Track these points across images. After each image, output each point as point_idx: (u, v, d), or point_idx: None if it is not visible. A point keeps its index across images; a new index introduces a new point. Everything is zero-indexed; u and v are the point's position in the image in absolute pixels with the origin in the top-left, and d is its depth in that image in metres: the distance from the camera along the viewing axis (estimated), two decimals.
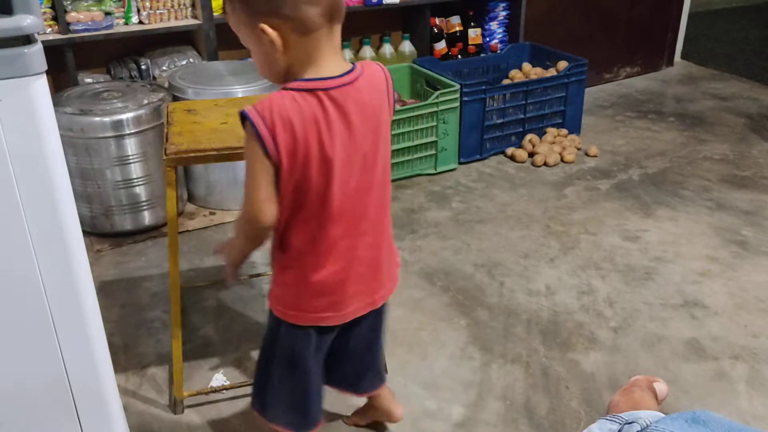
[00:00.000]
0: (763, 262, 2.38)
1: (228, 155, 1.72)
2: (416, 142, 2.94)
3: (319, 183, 1.15)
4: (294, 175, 1.13)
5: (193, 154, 1.69)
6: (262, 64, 1.16)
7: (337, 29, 1.13)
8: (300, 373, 1.37)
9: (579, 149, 3.23)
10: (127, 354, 1.97)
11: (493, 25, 3.57)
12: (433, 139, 2.98)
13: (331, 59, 1.13)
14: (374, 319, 1.42)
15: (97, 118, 2.33)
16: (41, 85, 1.00)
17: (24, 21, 0.95)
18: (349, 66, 1.15)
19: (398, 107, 2.91)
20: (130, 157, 2.40)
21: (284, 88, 1.12)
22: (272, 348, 1.38)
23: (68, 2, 2.60)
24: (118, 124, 2.34)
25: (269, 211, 1.16)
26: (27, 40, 0.97)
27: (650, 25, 4.15)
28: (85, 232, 2.49)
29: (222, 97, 2.48)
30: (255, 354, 1.95)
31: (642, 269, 2.35)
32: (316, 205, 1.17)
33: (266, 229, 1.21)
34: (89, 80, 2.78)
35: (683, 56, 4.46)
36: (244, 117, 1.09)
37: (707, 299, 2.19)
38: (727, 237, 2.53)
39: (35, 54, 0.97)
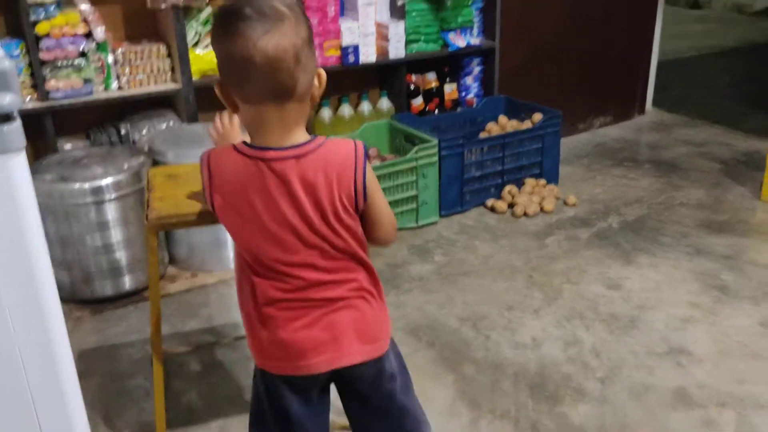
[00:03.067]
0: (743, 306, 2.40)
1: (210, 219, 1.72)
2: (397, 197, 2.96)
3: (247, 236, 1.21)
4: (226, 221, 1.23)
5: (174, 219, 1.70)
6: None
7: (291, 106, 1.16)
8: (269, 423, 1.34)
9: (558, 199, 3.27)
10: (108, 424, 1.92)
11: (468, 80, 3.64)
12: (414, 193, 3.00)
13: (279, 132, 1.17)
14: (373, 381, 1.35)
15: (77, 185, 2.33)
16: (20, 161, 1.00)
17: (3, 99, 0.95)
18: (303, 140, 1.18)
19: (378, 163, 2.94)
20: (111, 222, 2.40)
21: (234, 146, 1.19)
22: (253, 399, 1.38)
23: (47, 70, 2.62)
24: (97, 190, 2.34)
25: None
26: (6, 117, 0.97)
27: (621, 75, 4.26)
28: (64, 300, 2.47)
29: None
30: (240, 420, 1.91)
31: (626, 317, 2.36)
32: (246, 254, 1.25)
33: None
34: (69, 146, 2.79)
35: (654, 104, 4.58)
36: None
37: (691, 346, 2.19)
38: (708, 282, 2.55)
39: (14, 131, 0.97)
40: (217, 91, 1.18)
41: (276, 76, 1.11)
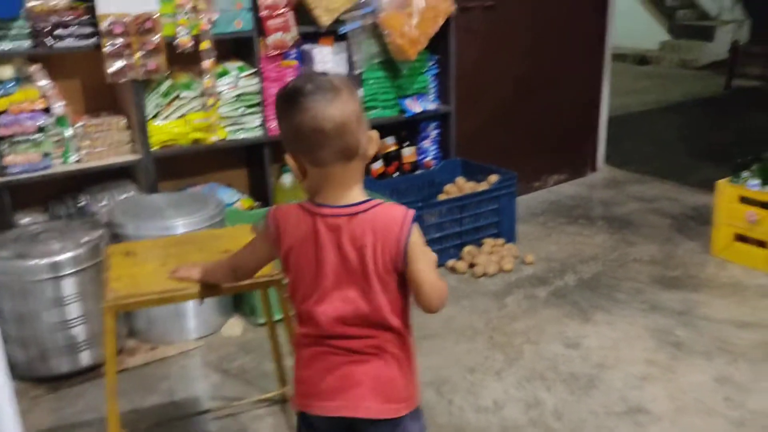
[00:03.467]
0: (698, 362, 2.46)
1: (169, 297, 1.72)
2: None
3: (298, 281, 1.37)
4: (285, 264, 1.38)
5: (132, 300, 1.70)
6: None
7: (354, 165, 1.31)
8: None
9: (516, 257, 3.33)
10: None
11: (426, 144, 3.73)
12: None
13: (340, 190, 1.32)
14: None
15: (33, 261, 2.31)
16: None
17: None
18: (359, 200, 1.32)
19: None
20: (68, 298, 2.37)
21: (299, 203, 1.36)
22: None
23: (5, 146, 2.62)
24: (55, 266, 2.32)
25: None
26: None
27: (573, 134, 4.41)
28: (21, 378, 2.42)
29: (162, 231, 2.50)
30: None
31: (585, 377, 2.40)
32: (297, 300, 1.39)
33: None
34: (26, 220, 2.77)
35: (607, 160, 4.73)
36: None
37: (649, 404, 2.24)
38: (663, 338, 2.62)
39: None
40: (290, 160, 1.32)
41: (344, 138, 1.27)
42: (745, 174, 3.16)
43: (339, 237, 1.31)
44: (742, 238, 3.20)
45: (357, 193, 1.32)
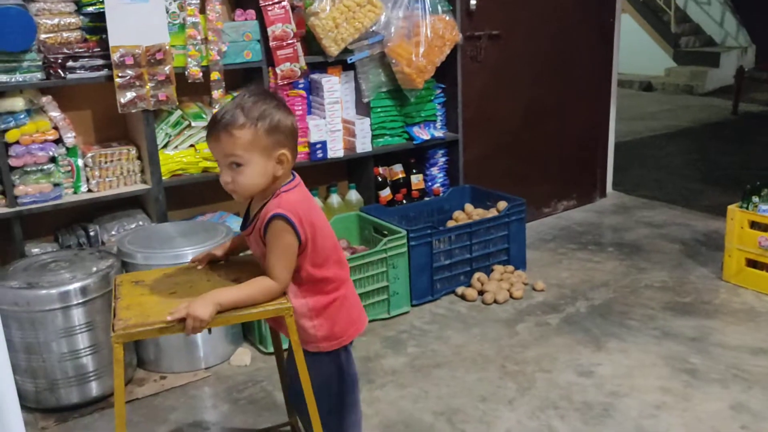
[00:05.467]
0: (713, 390, 2.42)
1: (179, 327, 1.71)
2: (368, 288, 2.98)
3: (329, 234, 1.74)
4: (312, 245, 1.68)
5: (141, 329, 1.69)
6: (258, 179, 1.64)
7: None
8: (357, 386, 1.87)
9: (526, 284, 3.31)
10: None
11: (434, 171, 3.74)
12: (385, 284, 3.02)
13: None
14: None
15: (44, 291, 2.31)
16: None
17: None
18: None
19: (349, 255, 2.97)
20: (77, 328, 2.37)
21: (298, 192, 1.69)
22: (348, 379, 1.82)
23: (16, 176, 2.64)
24: (65, 296, 2.32)
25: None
26: None
27: (581, 160, 4.41)
28: (29, 409, 2.40)
29: (172, 260, 2.49)
30: None
31: (599, 406, 2.36)
32: (329, 251, 1.72)
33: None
34: (36, 250, 2.77)
35: (614, 186, 4.73)
36: (285, 220, 1.62)
37: None
38: (677, 366, 2.58)
39: None
40: (288, 154, 1.66)
41: None
42: (755, 199, 3.15)
43: None
44: (753, 264, 3.17)
45: None
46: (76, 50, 2.67)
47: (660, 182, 4.97)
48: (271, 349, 2.60)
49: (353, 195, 3.54)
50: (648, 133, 6.63)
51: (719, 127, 6.92)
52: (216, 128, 1.63)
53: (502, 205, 3.47)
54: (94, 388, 2.44)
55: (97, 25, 2.70)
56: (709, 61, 9.14)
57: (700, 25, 9.98)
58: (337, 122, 3.28)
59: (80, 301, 2.35)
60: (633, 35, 8.87)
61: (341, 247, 3.00)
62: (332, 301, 1.74)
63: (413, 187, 3.69)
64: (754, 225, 3.13)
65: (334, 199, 3.50)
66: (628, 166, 5.29)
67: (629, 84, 9.39)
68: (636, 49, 8.81)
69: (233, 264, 2.08)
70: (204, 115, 2.97)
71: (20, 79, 2.59)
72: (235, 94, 3.10)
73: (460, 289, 3.25)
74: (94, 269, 2.43)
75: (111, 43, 2.68)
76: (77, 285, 2.35)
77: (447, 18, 3.43)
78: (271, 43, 3.03)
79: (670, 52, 9.63)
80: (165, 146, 2.93)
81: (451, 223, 3.48)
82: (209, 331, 1.72)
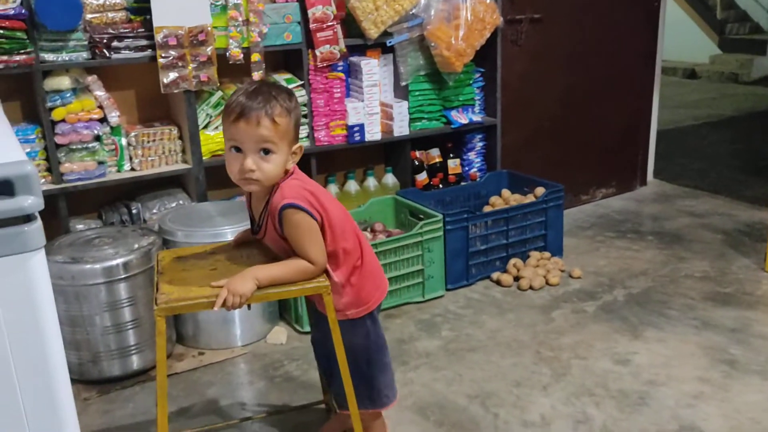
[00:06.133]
0: (753, 381, 2.38)
1: (221, 302, 1.74)
2: (403, 271, 2.99)
3: (339, 216, 1.77)
4: (328, 222, 1.73)
5: (183, 303, 1.72)
6: (280, 169, 1.68)
7: None
8: (385, 350, 1.92)
9: (563, 271, 3.28)
10: None
11: (471, 155, 3.72)
12: (420, 267, 3.03)
13: None
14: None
15: (88, 266, 2.37)
16: (39, 259, 1.04)
17: (25, 202, 1.00)
18: None
19: (384, 238, 2.98)
20: (120, 302, 2.42)
21: (295, 179, 1.72)
22: (376, 343, 1.87)
23: (62, 154, 2.71)
24: (108, 271, 2.38)
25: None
26: (27, 218, 1.02)
27: (621, 147, 4.34)
28: (73, 381, 2.44)
29: (211, 238, 2.53)
30: None
31: (635, 394, 2.34)
32: (343, 222, 1.78)
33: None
34: (80, 226, 2.84)
35: (656, 174, 4.64)
36: (296, 207, 1.65)
37: (702, 423, 2.17)
38: (716, 357, 2.54)
39: (35, 231, 1.02)
40: (300, 147, 1.74)
41: None
42: None
43: None
44: None
45: None
46: (121, 30, 2.72)
47: (702, 172, 4.87)
48: (307, 329, 2.63)
49: (390, 178, 3.54)
50: (691, 122, 6.49)
51: (764, 116, 6.74)
52: (255, 111, 1.61)
53: (540, 191, 3.44)
54: (135, 362, 2.51)
55: (141, 6, 2.73)
56: (756, 48, 8.89)
57: (747, 12, 9.70)
58: (375, 105, 3.28)
59: (123, 276, 2.41)
60: (678, 21, 8.66)
61: (377, 229, 3.02)
62: (354, 270, 1.80)
63: (450, 172, 3.68)
64: None
65: (371, 182, 3.50)
66: (670, 155, 5.18)
67: (672, 71, 9.19)
68: (680, 35, 8.60)
69: None
70: None
71: (66, 59, 2.64)
72: (274, 76, 3.13)
73: (495, 275, 3.24)
74: (136, 246, 2.48)
75: (155, 24, 2.71)
76: (120, 260, 2.40)
77: (488, 1, 3.40)
78: (311, 25, 3.04)
79: (715, 39, 9.40)
80: (206, 127, 2.96)
81: (487, 209, 3.46)
82: (248, 307, 1.75)
